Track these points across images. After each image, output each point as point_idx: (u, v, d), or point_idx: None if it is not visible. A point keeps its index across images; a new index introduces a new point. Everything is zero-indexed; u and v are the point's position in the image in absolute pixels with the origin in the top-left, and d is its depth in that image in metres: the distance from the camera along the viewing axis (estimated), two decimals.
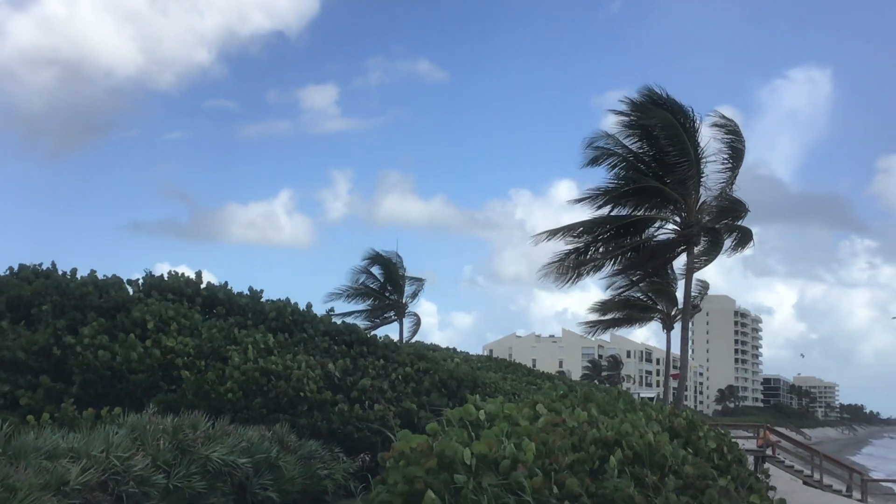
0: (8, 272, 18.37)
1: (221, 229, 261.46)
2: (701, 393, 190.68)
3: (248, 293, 20.50)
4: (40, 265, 18.81)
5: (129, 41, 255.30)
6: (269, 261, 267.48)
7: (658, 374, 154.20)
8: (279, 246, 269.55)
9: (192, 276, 20.18)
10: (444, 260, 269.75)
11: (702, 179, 25.30)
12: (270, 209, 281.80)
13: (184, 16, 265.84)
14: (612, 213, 26.35)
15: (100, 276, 18.76)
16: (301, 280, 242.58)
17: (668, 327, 40.61)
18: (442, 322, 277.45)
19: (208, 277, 20.60)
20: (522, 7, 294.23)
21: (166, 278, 19.74)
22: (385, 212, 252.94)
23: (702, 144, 24.98)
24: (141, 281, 19.40)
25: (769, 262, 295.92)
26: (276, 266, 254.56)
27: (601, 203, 26.05)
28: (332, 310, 22.62)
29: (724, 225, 27.01)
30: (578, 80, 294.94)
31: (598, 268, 27.31)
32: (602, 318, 40.60)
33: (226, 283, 20.57)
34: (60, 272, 18.65)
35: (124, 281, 18.97)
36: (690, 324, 32.46)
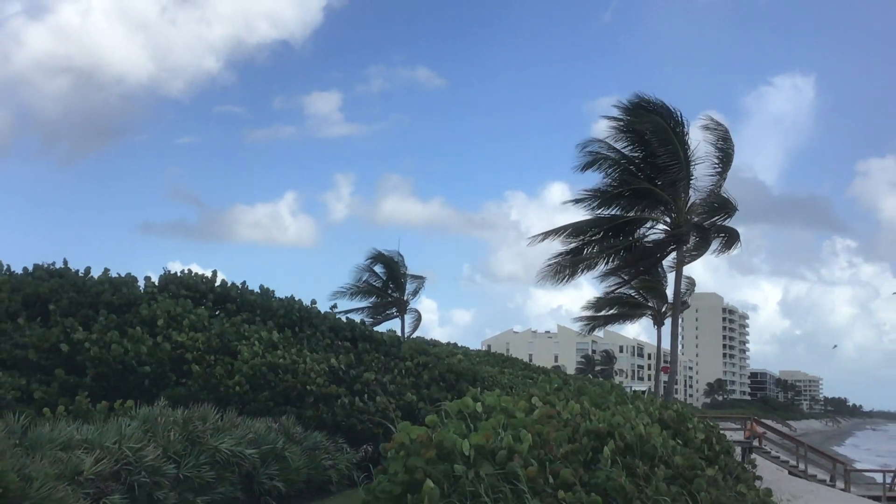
0: (23, 272, 18.41)
1: (229, 230, 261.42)
2: (690, 386, 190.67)
3: (259, 291, 20.54)
4: (53, 264, 18.84)
5: (140, 50, 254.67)
6: (275, 260, 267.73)
7: (649, 369, 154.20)
8: (284, 245, 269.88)
9: (208, 275, 20.29)
10: (443, 259, 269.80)
11: (691, 181, 25.31)
12: (276, 210, 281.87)
13: (193, 25, 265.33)
14: (604, 214, 26.36)
15: (113, 274, 18.79)
16: (305, 278, 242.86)
17: (658, 323, 40.63)
18: (442, 318, 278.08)
19: (219, 276, 20.66)
20: (518, 17, 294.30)
21: (180, 276, 19.79)
22: (386, 213, 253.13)
23: (691, 148, 25.00)
24: (156, 279, 19.48)
25: (754, 261, 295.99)
26: (282, 265, 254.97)
27: (595, 204, 26.07)
28: (335, 306, 22.57)
29: (713, 225, 27.02)
30: (571, 87, 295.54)
31: (591, 266, 27.34)
32: (596, 314, 40.60)
33: (244, 282, 20.64)
34: (74, 270, 18.67)
35: (137, 279, 19.02)
36: (680, 320, 32.47)
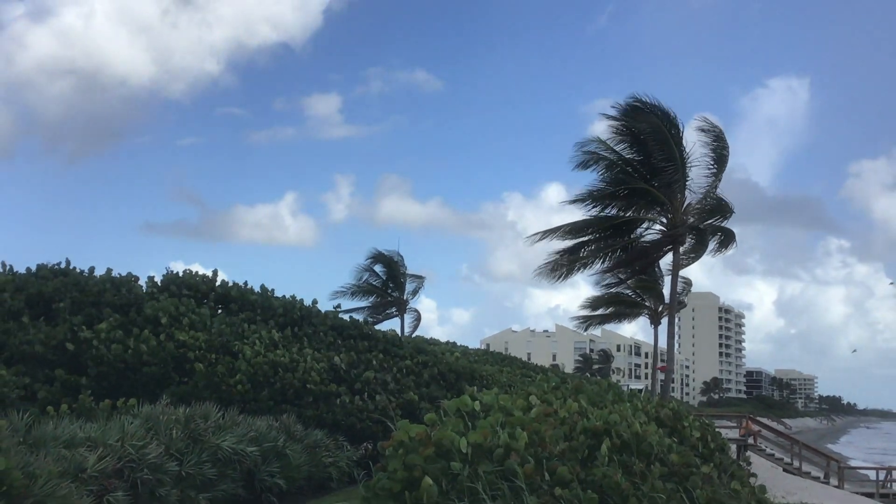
0: (26, 272, 18.39)
1: (230, 230, 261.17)
2: (687, 385, 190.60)
3: (260, 290, 20.55)
4: (58, 264, 18.83)
5: (142, 52, 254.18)
6: (275, 260, 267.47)
7: (646, 367, 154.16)
8: (284, 246, 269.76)
9: (209, 274, 20.29)
10: (441, 259, 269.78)
11: (687, 182, 25.29)
12: (276, 211, 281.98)
13: (194, 28, 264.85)
14: (601, 214, 26.34)
15: (115, 274, 18.80)
16: (305, 278, 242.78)
17: (655, 323, 40.55)
18: (441, 318, 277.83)
19: (220, 276, 20.68)
20: (515, 20, 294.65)
21: (181, 276, 19.79)
22: (385, 213, 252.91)
23: (686, 149, 24.99)
24: (159, 278, 19.49)
25: (749, 261, 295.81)
26: (282, 265, 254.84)
27: (592, 205, 26.06)
28: (338, 306, 22.60)
29: (709, 225, 27.02)
30: (567, 89, 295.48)
31: (587, 265, 27.30)
32: (593, 313, 40.57)
33: (245, 282, 20.62)
34: (78, 270, 18.66)
35: (139, 278, 19.05)
36: (677, 319, 32.44)
